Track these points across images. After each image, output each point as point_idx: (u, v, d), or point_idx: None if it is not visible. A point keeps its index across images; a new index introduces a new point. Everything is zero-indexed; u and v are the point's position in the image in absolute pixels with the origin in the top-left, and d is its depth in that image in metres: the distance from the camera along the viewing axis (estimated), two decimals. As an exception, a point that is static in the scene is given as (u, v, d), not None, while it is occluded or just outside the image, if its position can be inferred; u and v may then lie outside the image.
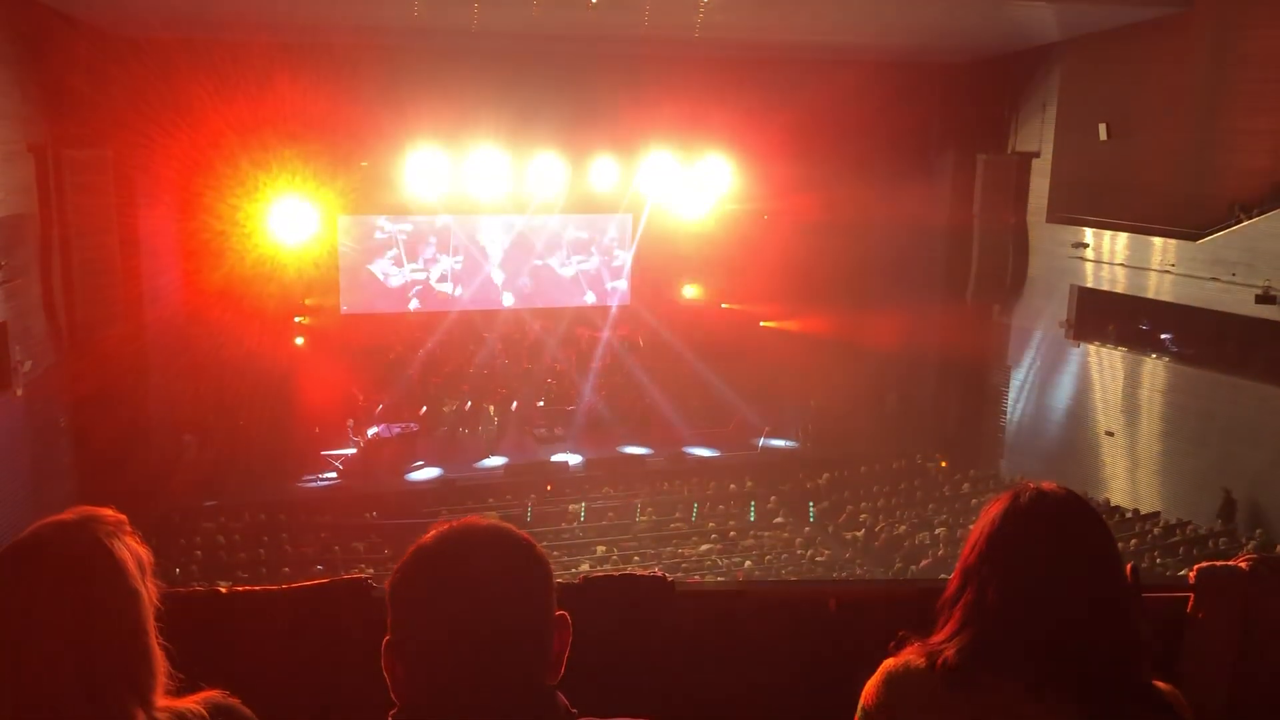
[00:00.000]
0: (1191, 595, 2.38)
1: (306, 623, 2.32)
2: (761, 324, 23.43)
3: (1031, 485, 1.90)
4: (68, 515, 1.66)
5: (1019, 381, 20.35)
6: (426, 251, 23.15)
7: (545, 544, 16.44)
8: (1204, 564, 2.43)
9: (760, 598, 2.48)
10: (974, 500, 18.00)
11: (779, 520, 17.94)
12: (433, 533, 1.52)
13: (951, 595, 1.88)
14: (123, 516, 1.69)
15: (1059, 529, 1.81)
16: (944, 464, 20.61)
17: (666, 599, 2.35)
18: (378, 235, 22.78)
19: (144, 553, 1.68)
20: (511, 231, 23.58)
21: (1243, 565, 2.39)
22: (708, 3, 15.06)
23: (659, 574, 2.41)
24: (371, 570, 13.95)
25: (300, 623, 2.32)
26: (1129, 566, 2.04)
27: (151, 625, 1.64)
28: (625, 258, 24.39)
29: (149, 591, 1.66)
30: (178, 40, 16.56)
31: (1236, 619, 2.31)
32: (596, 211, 23.71)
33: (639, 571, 2.42)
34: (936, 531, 16.36)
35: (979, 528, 1.89)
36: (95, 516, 1.66)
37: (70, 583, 1.58)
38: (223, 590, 2.40)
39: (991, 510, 1.90)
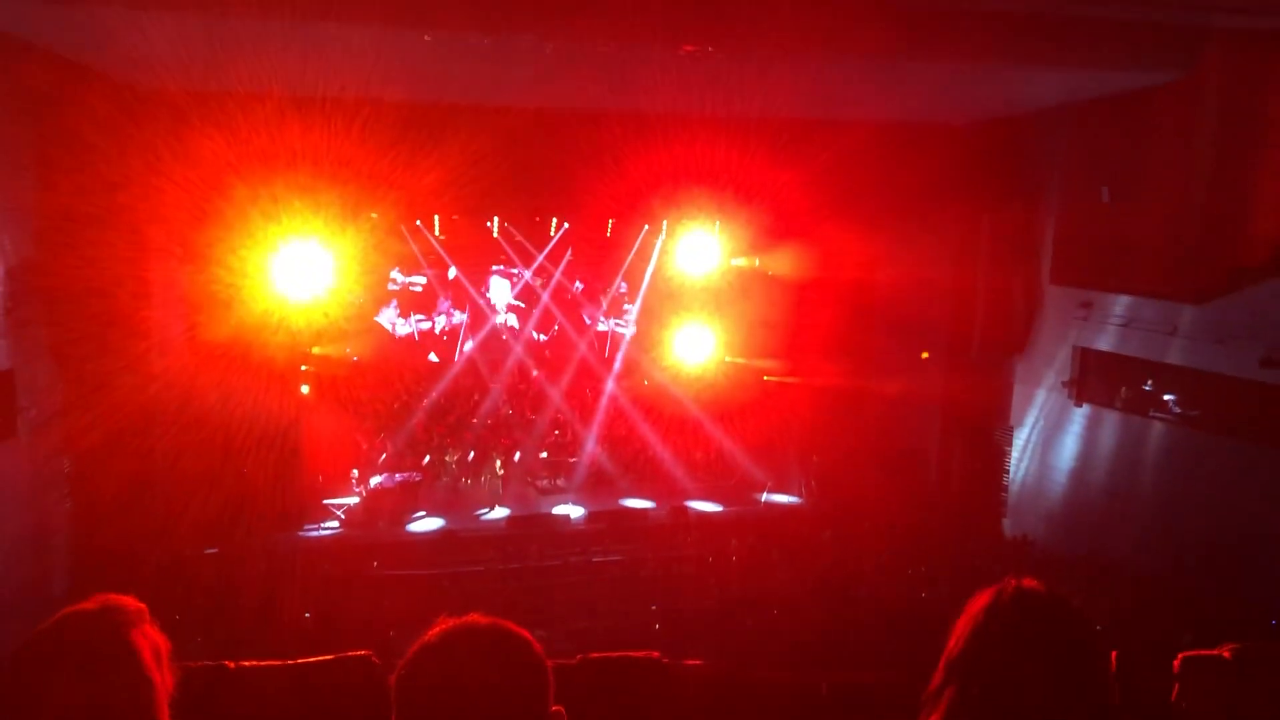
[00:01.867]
0: (1176, 685, 2.40)
1: (310, 700, 2.38)
2: (765, 379, 23.50)
3: (1014, 583, 1.95)
4: (90, 604, 1.73)
5: (1022, 441, 20.34)
6: (441, 305, 23.48)
7: (547, 596, 16.38)
8: (1189, 654, 2.45)
9: (753, 684, 2.53)
10: (976, 563, 17.91)
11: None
12: (436, 631, 1.60)
13: (935, 689, 1.93)
14: (143, 606, 1.77)
15: (1041, 632, 1.87)
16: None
17: (660, 681, 2.40)
18: (389, 287, 23.08)
19: (162, 641, 1.75)
20: (519, 283, 23.87)
21: (1227, 655, 2.41)
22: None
23: (654, 656, 2.47)
24: (369, 624, 13.93)
25: (304, 700, 2.38)
26: (1113, 655, 2.08)
27: (163, 712, 1.71)
28: (631, 312, 24.60)
29: (164, 679, 1.72)
30: (190, 93, 16.72)
31: (1221, 713, 2.32)
32: (601, 264, 24.06)
33: (634, 654, 2.47)
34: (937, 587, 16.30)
35: (964, 623, 1.94)
36: (116, 606, 1.73)
37: (89, 672, 1.65)
38: (229, 666, 2.46)
39: (976, 605, 1.95)
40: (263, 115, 16.07)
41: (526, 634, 1.62)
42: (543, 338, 24.80)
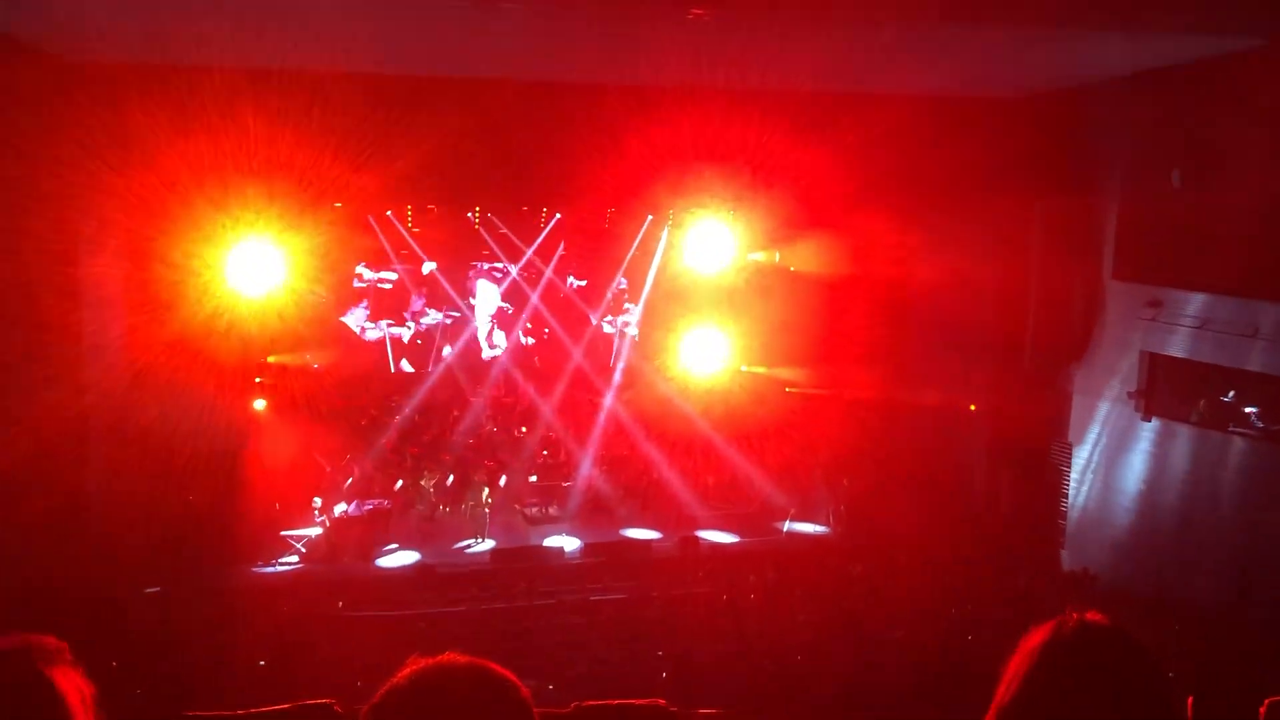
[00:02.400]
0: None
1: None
2: (787, 390, 23.47)
3: (1075, 617, 1.93)
4: (5, 643, 1.72)
5: (1082, 461, 20.29)
6: (414, 304, 23.51)
7: (537, 640, 16.37)
8: (1276, 699, 2.44)
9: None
10: (1029, 600, 17.87)
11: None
12: (408, 671, 1.58)
13: (986, 741, 1.91)
14: (63, 645, 1.76)
15: (1104, 674, 1.84)
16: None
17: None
18: (355, 284, 23.12)
19: (86, 686, 1.74)
20: (504, 280, 23.91)
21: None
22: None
23: (659, 704, 2.45)
24: (333, 668, 13.90)
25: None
26: (1189, 701, 2.07)
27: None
28: (633, 314, 24.62)
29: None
30: (128, 65, 16.70)
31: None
32: (599, 260, 24.10)
33: (636, 701, 2.45)
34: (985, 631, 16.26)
35: (1016, 664, 1.93)
36: (36, 645, 1.72)
37: (7, 717, 1.64)
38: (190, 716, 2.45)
39: (1030, 644, 1.93)
40: (211, 91, 16.07)
41: (510, 675, 1.61)
42: (531, 341, 24.82)
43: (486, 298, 24.13)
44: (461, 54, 17.11)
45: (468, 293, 24.12)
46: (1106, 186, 19.50)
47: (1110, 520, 19.70)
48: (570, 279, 24.56)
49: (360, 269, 23.02)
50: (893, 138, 18.04)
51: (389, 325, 23.63)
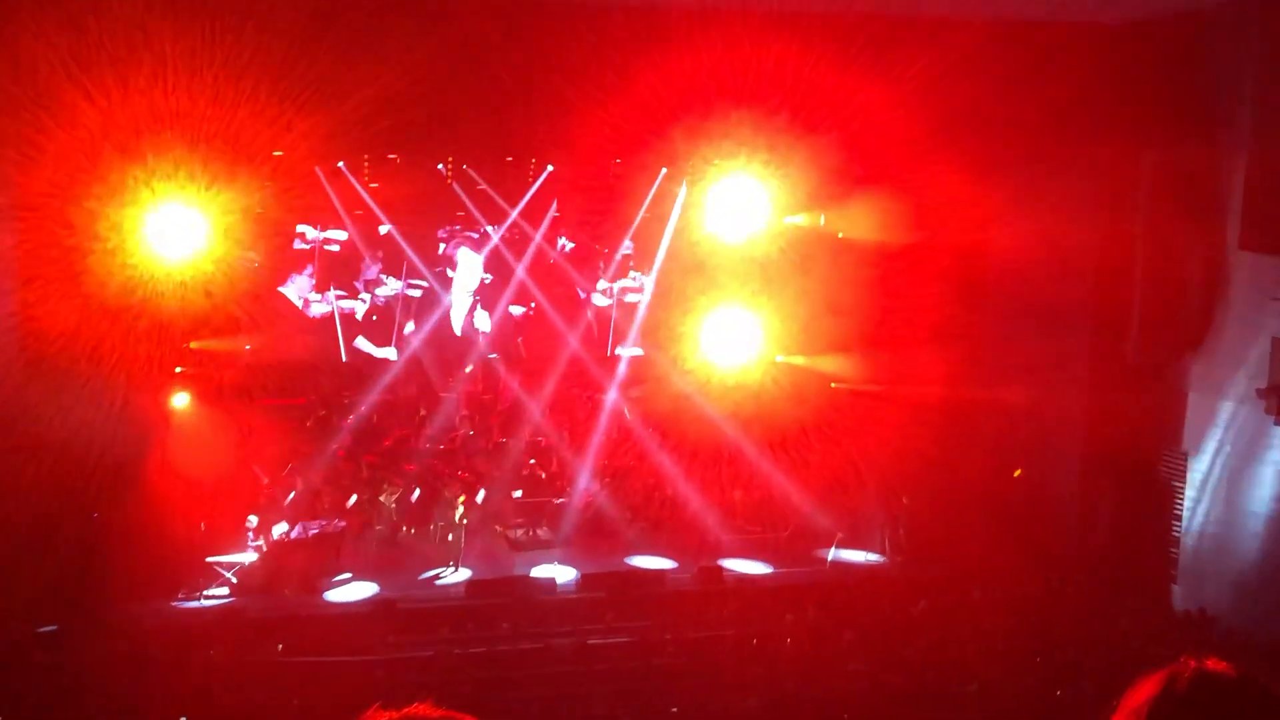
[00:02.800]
0: None
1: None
2: (833, 386, 23.45)
3: (1192, 665, 1.92)
4: None
5: (1200, 474, 20.26)
6: (368, 271, 23.51)
7: (523, 692, 16.42)
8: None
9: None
10: (1133, 646, 17.88)
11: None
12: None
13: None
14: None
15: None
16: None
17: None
18: (296, 245, 23.10)
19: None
20: (484, 248, 23.90)
21: None
22: None
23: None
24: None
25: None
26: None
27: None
28: (642, 288, 24.61)
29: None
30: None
31: None
32: (601, 223, 24.08)
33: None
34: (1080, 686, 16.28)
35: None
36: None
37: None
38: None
39: (1138, 698, 1.93)
40: (121, 14, 16.06)
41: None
42: (523, 318, 24.81)
43: (468, 270, 24.09)
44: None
45: (438, 261, 24.08)
46: (1232, 134, 19.41)
47: (1233, 549, 19.67)
48: (561, 238, 24.52)
49: (302, 229, 22.97)
50: (967, 72, 17.99)
51: (338, 297, 23.62)
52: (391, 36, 17.04)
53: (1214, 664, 1.93)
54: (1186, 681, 1.88)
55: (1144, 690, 1.92)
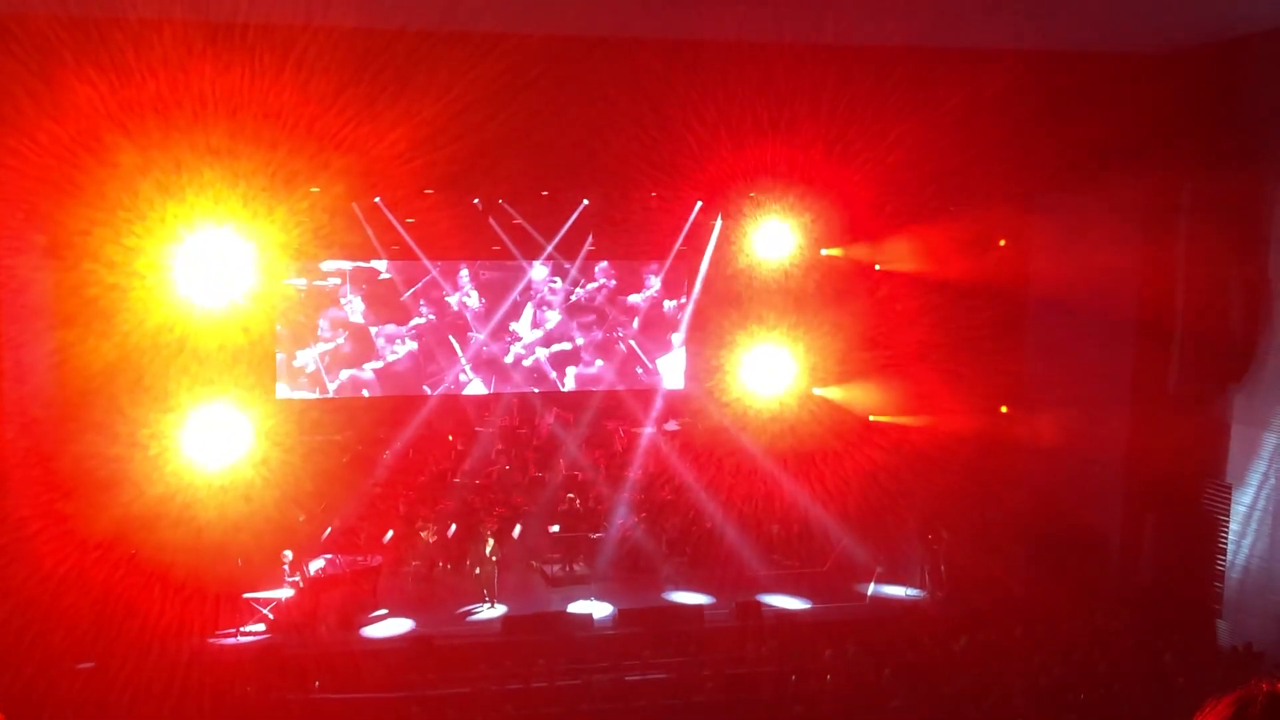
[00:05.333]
0: None
1: None
2: (870, 419, 23.41)
3: (1264, 688, 1.91)
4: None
5: (1244, 507, 20.13)
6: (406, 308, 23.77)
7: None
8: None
9: None
10: (1179, 681, 17.75)
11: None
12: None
13: None
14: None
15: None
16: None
17: None
18: (331, 281, 23.28)
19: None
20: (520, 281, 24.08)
21: None
22: None
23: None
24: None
25: None
26: None
27: None
28: (677, 321, 24.68)
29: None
30: (60, 19, 16.81)
31: None
32: (635, 257, 24.18)
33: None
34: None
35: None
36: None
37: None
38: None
39: (1210, 721, 1.92)
40: (162, 50, 16.16)
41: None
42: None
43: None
44: (469, 2, 17.19)
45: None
46: (1274, 163, 19.36)
47: (1279, 583, 19.56)
48: (600, 276, 24.63)
49: (339, 264, 23.22)
50: (1005, 103, 17.99)
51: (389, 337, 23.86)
52: (430, 73, 17.12)
53: (1286, 687, 1.91)
54: (1261, 706, 1.86)
55: (1215, 715, 1.91)
